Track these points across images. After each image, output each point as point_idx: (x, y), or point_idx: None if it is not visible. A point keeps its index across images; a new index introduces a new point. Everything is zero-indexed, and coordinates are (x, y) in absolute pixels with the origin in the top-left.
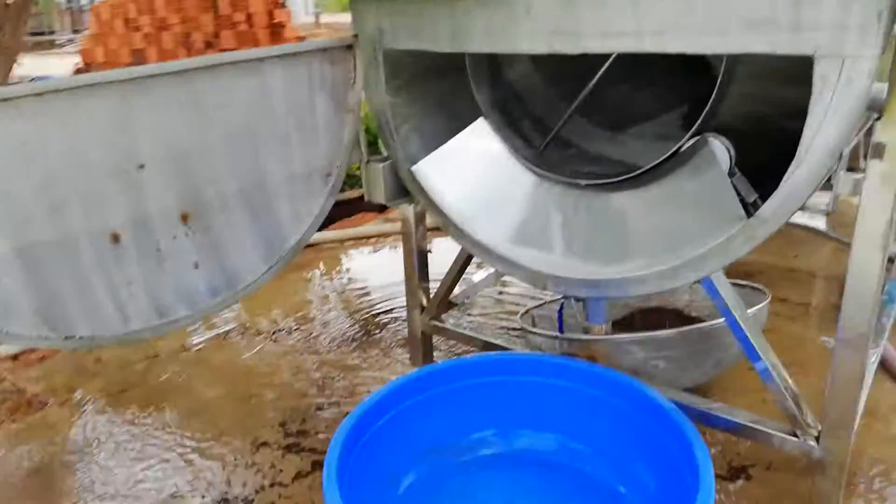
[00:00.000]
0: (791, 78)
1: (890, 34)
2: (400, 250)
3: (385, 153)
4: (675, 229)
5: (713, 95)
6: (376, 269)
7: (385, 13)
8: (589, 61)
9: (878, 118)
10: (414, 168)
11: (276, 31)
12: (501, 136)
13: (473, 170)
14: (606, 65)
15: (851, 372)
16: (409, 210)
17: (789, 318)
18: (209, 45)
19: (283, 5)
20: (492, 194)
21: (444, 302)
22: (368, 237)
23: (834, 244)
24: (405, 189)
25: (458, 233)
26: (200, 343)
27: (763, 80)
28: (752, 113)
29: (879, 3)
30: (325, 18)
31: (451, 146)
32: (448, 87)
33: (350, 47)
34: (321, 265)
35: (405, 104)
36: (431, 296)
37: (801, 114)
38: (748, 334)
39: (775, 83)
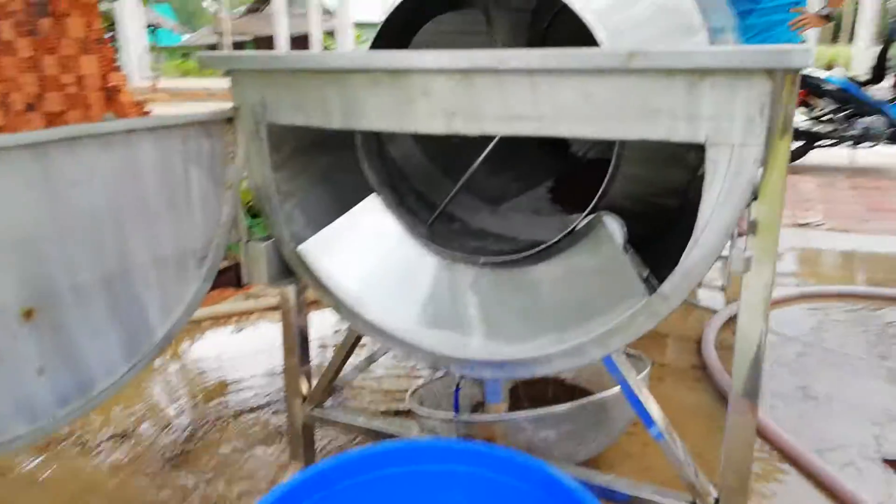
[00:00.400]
0: (670, 161)
1: (772, 124)
2: (264, 329)
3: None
4: (579, 307)
5: (607, 177)
6: (239, 352)
7: (268, 86)
8: (464, 137)
9: (755, 198)
10: (300, 248)
11: (110, 96)
12: (395, 214)
13: (367, 249)
14: (491, 145)
15: (744, 436)
16: (289, 288)
17: (657, 379)
18: (31, 108)
19: (118, 69)
20: (388, 274)
21: (328, 388)
22: (229, 316)
23: (682, 305)
24: (289, 270)
25: (351, 316)
26: (25, 457)
27: (645, 164)
28: (632, 192)
29: (761, 97)
30: (163, 83)
31: (341, 224)
32: (332, 161)
33: (230, 120)
34: (174, 351)
35: (287, 179)
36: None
37: (678, 193)
38: (643, 401)
39: (657, 166)
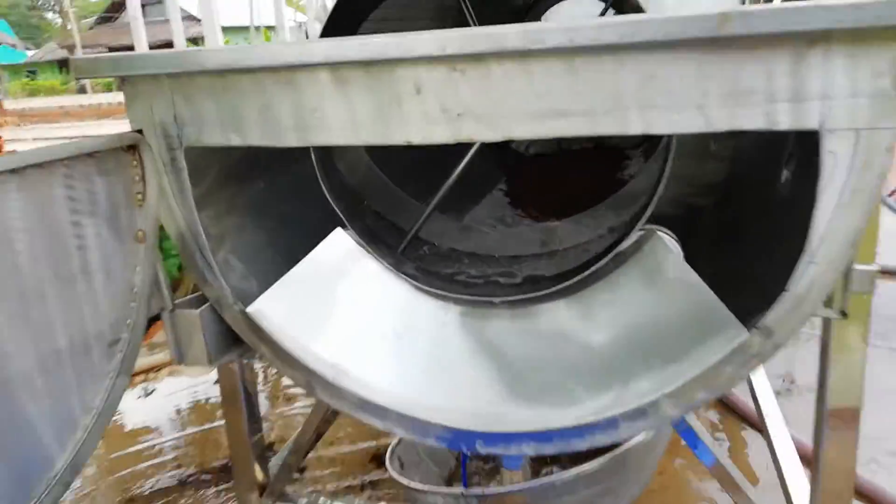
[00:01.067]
0: (703, 153)
1: None
2: (180, 384)
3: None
4: (646, 352)
5: (662, 183)
6: (157, 425)
7: (185, 96)
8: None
9: None
10: (251, 309)
11: None
12: (371, 250)
13: (342, 301)
14: (472, 152)
15: (842, 475)
16: None
17: None
18: None
19: None
20: (378, 332)
21: (290, 474)
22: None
23: None
24: (236, 338)
25: (332, 392)
26: None
27: (681, 158)
28: (672, 196)
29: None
30: (11, 104)
31: (301, 271)
32: (264, 188)
33: (132, 147)
34: None
35: (215, 219)
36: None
37: (711, 191)
38: (704, 442)
39: (692, 160)
